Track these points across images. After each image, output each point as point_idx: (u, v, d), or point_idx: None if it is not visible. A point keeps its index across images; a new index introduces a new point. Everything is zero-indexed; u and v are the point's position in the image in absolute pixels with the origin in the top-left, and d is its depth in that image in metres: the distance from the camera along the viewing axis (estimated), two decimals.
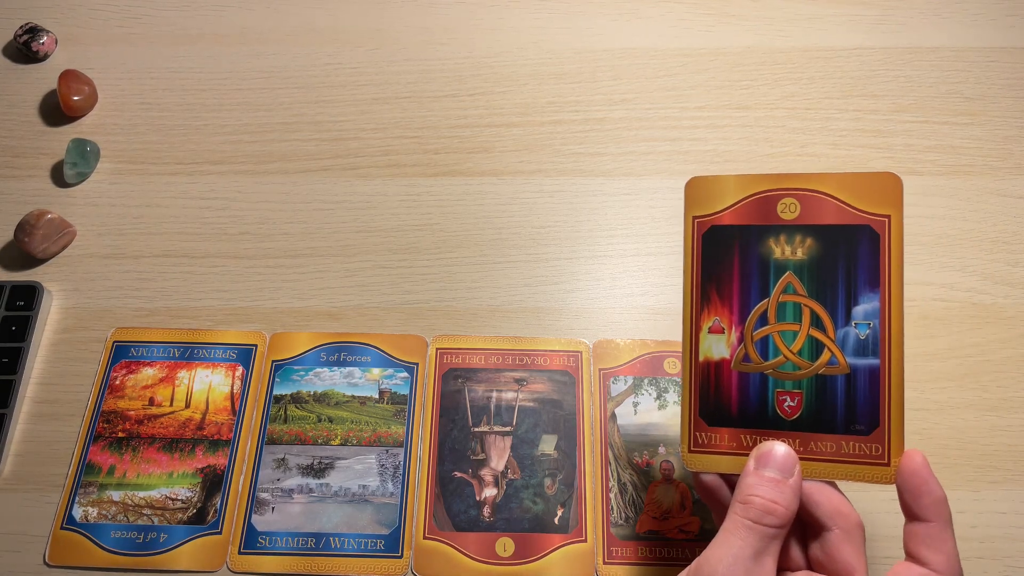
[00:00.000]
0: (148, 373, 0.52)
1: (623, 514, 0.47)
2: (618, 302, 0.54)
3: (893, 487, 0.34)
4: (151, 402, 0.51)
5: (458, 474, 0.48)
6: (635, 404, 0.50)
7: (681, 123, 0.62)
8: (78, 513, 0.47)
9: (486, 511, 0.47)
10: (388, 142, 0.61)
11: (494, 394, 0.51)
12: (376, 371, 0.52)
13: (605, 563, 0.46)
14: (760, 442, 0.36)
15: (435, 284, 0.55)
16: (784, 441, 0.35)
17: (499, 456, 0.49)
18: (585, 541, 0.46)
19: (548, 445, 0.49)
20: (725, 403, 0.37)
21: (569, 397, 0.50)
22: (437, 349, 0.52)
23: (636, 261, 0.56)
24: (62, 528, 0.47)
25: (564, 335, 0.53)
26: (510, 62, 0.65)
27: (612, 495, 0.48)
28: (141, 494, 0.48)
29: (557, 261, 0.56)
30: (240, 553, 0.46)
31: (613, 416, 0.50)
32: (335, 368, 0.52)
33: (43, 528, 0.47)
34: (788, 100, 0.62)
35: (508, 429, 0.50)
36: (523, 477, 0.48)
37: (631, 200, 0.58)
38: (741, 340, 0.37)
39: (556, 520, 0.47)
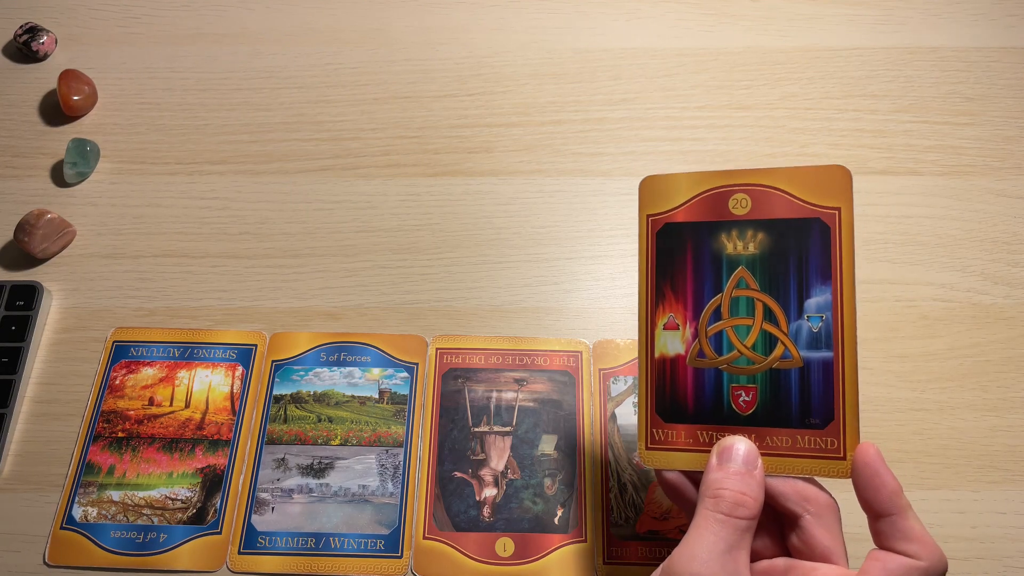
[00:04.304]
0: (148, 373, 0.52)
1: (623, 514, 0.47)
2: (618, 302, 0.54)
3: (850, 481, 0.34)
4: (151, 402, 0.51)
5: (458, 474, 0.48)
6: (635, 404, 0.50)
7: (681, 123, 0.62)
8: (78, 513, 0.47)
9: (486, 511, 0.47)
10: (388, 142, 0.61)
11: (494, 394, 0.51)
12: (376, 371, 0.52)
13: (605, 563, 0.46)
14: (716, 438, 0.36)
15: (435, 284, 0.55)
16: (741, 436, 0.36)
17: (499, 456, 0.49)
18: (585, 541, 0.46)
19: (548, 445, 0.49)
20: (681, 399, 0.37)
21: (569, 397, 0.50)
22: (437, 349, 0.52)
23: (636, 261, 0.56)
24: (62, 528, 0.47)
25: (564, 335, 0.53)
26: (510, 62, 0.65)
27: (612, 495, 0.48)
28: (141, 494, 0.48)
29: (557, 261, 0.56)
30: (240, 553, 0.46)
31: (613, 416, 0.50)
32: (335, 368, 0.52)
33: (43, 528, 0.47)
34: (788, 100, 0.62)
35: (508, 429, 0.50)
36: (523, 477, 0.48)
37: (631, 200, 0.57)
38: (696, 336, 0.37)
39: (556, 520, 0.47)
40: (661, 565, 0.33)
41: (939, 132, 0.61)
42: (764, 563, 0.35)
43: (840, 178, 0.35)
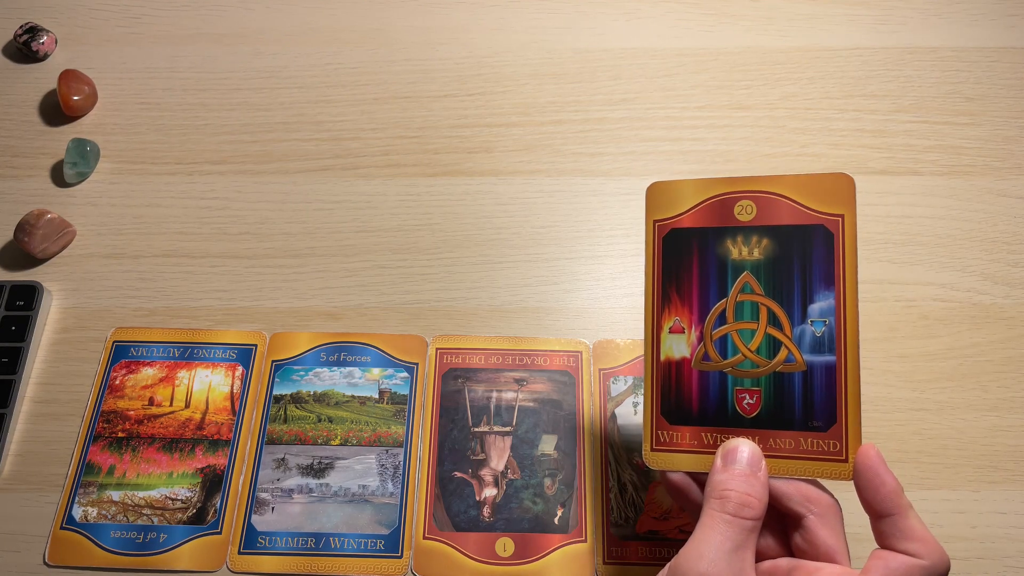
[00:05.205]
0: (148, 373, 0.52)
1: (623, 514, 0.47)
2: (618, 302, 0.54)
3: (852, 483, 0.34)
4: (151, 402, 0.51)
5: (458, 474, 0.48)
6: (635, 404, 0.50)
7: (681, 123, 0.62)
8: (78, 513, 0.47)
9: (486, 511, 0.47)
10: (388, 142, 0.61)
11: (494, 394, 0.51)
12: (376, 371, 0.52)
13: (605, 563, 0.46)
14: (720, 440, 0.36)
15: (435, 284, 0.55)
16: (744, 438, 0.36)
17: (499, 456, 0.49)
18: (585, 541, 0.46)
19: (548, 445, 0.49)
20: (686, 402, 0.38)
21: (569, 397, 0.50)
22: (437, 349, 0.52)
23: (636, 261, 0.56)
24: (62, 528, 0.47)
25: (564, 335, 0.53)
26: (510, 62, 0.65)
27: (612, 495, 0.48)
28: (141, 494, 0.48)
29: (557, 261, 0.56)
30: (240, 553, 0.46)
31: (613, 416, 0.50)
32: (335, 368, 0.52)
33: (43, 528, 0.47)
34: (788, 100, 0.62)
35: (508, 429, 0.50)
36: (523, 477, 0.48)
37: (631, 200, 0.58)
38: (701, 339, 0.38)
39: (556, 520, 0.47)
40: (668, 564, 0.33)
41: (939, 132, 0.61)
42: (768, 563, 0.35)
43: (844, 186, 0.36)
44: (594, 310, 0.54)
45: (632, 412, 0.50)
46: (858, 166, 0.59)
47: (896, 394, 0.51)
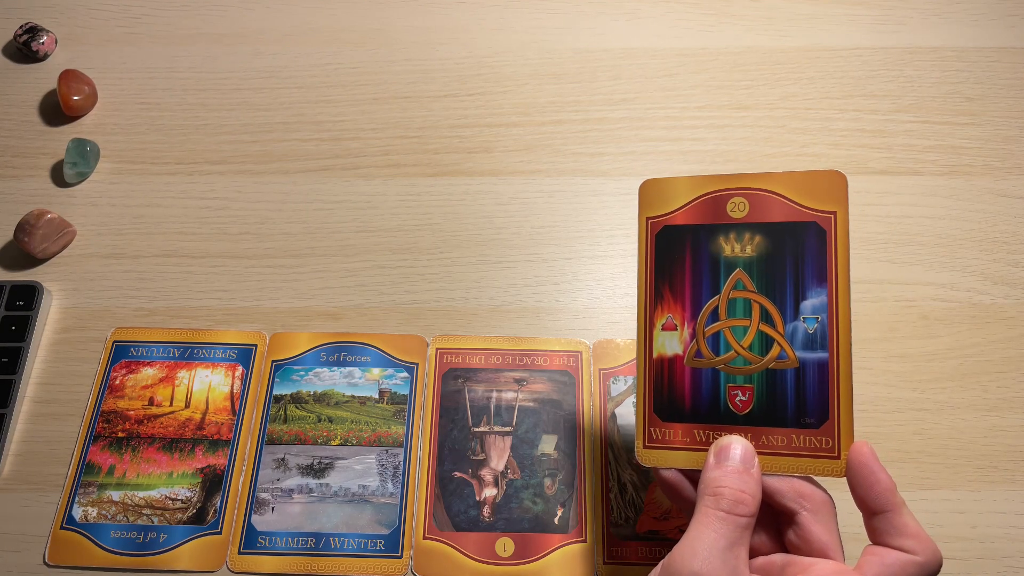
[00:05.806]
0: (148, 373, 0.52)
1: (623, 514, 0.47)
2: (618, 302, 0.54)
3: (844, 480, 0.34)
4: (151, 402, 0.51)
5: (458, 474, 0.48)
6: (635, 404, 0.50)
7: (681, 123, 0.62)
8: (78, 513, 0.47)
9: (486, 511, 0.47)
10: (388, 142, 0.61)
11: (494, 394, 0.51)
12: (376, 371, 0.52)
13: (605, 563, 0.46)
14: (713, 437, 0.36)
15: (435, 284, 0.55)
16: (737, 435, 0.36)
17: (499, 456, 0.49)
18: (585, 541, 0.46)
19: (548, 445, 0.49)
20: (678, 399, 0.38)
21: (569, 397, 0.50)
22: (437, 349, 0.52)
23: (636, 261, 0.56)
24: (62, 528, 0.47)
25: (564, 335, 0.53)
26: (510, 62, 0.65)
27: (612, 495, 0.48)
28: (141, 494, 0.48)
29: (557, 261, 0.56)
30: (240, 553, 0.46)
31: (613, 416, 0.50)
32: (335, 368, 0.52)
33: (43, 528, 0.47)
34: (788, 100, 0.62)
35: (508, 429, 0.50)
36: (523, 477, 0.48)
37: (631, 200, 0.57)
38: (693, 336, 0.38)
39: (556, 520, 0.47)
40: (661, 562, 0.33)
41: (939, 132, 0.61)
42: (762, 559, 0.36)
43: (836, 182, 0.36)
44: (594, 310, 0.54)
45: (632, 412, 0.50)
46: (858, 166, 0.59)
47: (896, 394, 0.51)
